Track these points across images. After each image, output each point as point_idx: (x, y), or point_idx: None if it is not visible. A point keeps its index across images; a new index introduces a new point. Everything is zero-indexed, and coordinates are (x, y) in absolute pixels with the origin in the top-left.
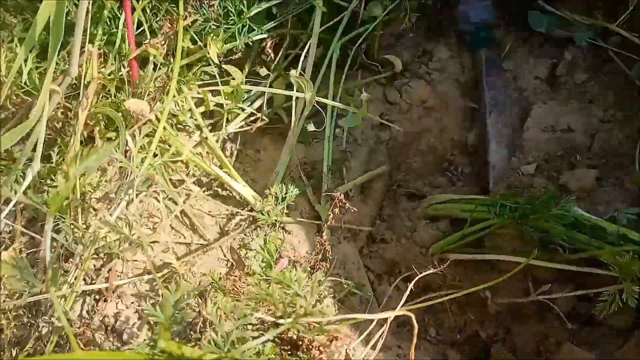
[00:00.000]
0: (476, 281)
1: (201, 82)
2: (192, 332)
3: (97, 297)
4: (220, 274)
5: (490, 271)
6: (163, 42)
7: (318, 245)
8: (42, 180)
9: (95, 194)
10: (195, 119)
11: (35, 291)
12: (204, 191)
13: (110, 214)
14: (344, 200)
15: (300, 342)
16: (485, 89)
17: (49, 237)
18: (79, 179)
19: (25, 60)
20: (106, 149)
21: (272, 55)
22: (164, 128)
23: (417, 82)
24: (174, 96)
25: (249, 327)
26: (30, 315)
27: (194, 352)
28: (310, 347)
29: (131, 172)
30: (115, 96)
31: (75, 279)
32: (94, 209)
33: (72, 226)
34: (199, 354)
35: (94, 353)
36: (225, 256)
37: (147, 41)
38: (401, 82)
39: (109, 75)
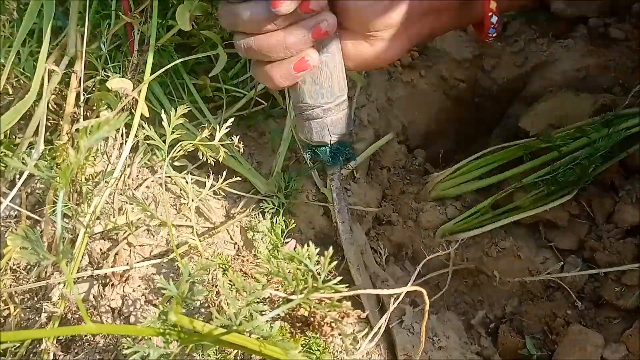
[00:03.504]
0: (484, 261)
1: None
2: (199, 316)
3: (104, 281)
4: (228, 256)
5: (497, 251)
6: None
7: (325, 228)
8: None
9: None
10: (197, 103)
11: (45, 264)
12: (208, 175)
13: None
14: (349, 182)
15: (312, 319)
16: None
17: (60, 210)
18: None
19: (24, 45)
20: (117, 121)
21: None
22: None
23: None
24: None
25: (260, 303)
26: (36, 299)
27: (205, 326)
28: (322, 323)
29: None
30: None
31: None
32: (88, 192)
33: (75, 207)
34: (210, 328)
35: (104, 326)
36: (232, 239)
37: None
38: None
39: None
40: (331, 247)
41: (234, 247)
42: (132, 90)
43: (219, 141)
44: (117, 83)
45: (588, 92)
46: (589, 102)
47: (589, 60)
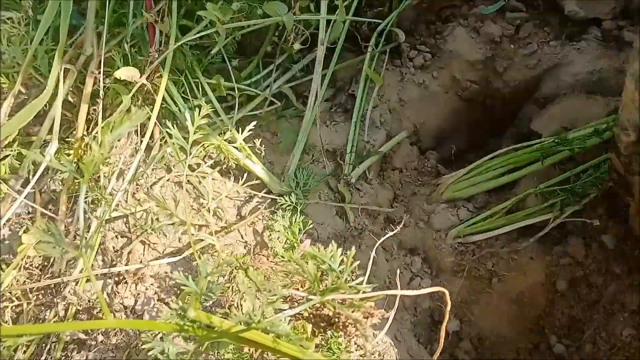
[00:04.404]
0: (494, 261)
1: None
2: (217, 309)
3: (118, 279)
4: (242, 255)
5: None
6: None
7: (338, 228)
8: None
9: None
10: (211, 102)
11: (59, 262)
12: (220, 173)
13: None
14: (362, 183)
15: (337, 319)
16: None
17: (82, 203)
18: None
19: (41, 43)
20: (138, 116)
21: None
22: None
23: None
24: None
25: (280, 301)
26: (50, 296)
27: (224, 323)
28: (347, 324)
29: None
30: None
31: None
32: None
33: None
34: (228, 325)
35: (124, 321)
36: (243, 238)
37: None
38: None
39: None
40: (353, 247)
41: (245, 247)
42: (142, 78)
43: (231, 140)
44: (125, 72)
45: (601, 94)
46: (601, 105)
47: (602, 62)
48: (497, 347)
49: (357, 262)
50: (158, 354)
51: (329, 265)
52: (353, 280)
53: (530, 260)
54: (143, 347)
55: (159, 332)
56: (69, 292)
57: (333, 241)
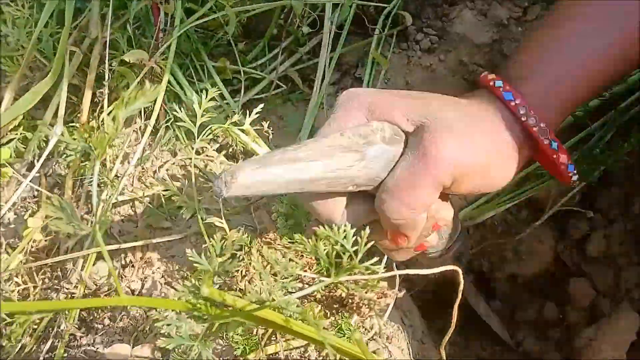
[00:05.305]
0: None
1: None
2: (228, 290)
3: (124, 262)
4: (250, 238)
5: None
6: None
7: None
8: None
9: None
10: (216, 85)
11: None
12: (226, 157)
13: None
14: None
15: (350, 300)
16: None
17: (96, 179)
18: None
19: (45, 26)
20: (153, 92)
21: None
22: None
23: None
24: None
25: (294, 281)
26: (56, 280)
27: (237, 301)
28: (360, 304)
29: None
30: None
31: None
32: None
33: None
34: (242, 303)
35: (136, 298)
36: (249, 222)
37: None
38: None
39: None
40: (367, 227)
41: (252, 231)
42: (152, 61)
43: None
44: (134, 55)
45: None
46: None
47: None
48: None
49: (372, 243)
50: (170, 331)
51: (342, 246)
52: (366, 261)
53: (537, 241)
54: (156, 325)
55: (168, 314)
56: (76, 275)
57: (346, 221)
